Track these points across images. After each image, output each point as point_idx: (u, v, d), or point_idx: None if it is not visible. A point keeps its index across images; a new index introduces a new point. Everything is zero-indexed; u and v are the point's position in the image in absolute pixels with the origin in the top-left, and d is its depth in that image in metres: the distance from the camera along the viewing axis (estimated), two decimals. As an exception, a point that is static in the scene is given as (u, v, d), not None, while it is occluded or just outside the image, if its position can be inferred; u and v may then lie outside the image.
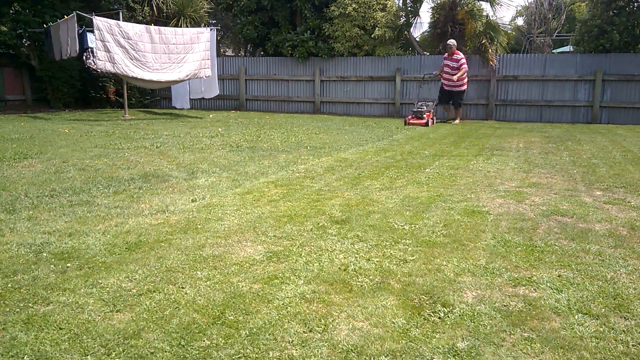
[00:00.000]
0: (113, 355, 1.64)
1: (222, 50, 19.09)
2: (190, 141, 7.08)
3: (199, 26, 13.68)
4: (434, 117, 10.71)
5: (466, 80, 11.42)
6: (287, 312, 1.95)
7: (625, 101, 11.30)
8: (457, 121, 11.35)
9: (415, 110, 10.47)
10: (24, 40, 12.56)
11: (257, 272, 2.34)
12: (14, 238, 2.76)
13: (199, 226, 3.04)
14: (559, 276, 2.35)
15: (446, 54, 11.35)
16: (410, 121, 10.19)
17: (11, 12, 12.47)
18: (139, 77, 10.43)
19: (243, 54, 18.00)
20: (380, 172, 4.91)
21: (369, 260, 2.52)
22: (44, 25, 11.24)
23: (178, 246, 2.68)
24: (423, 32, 15.29)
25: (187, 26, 13.80)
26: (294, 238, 2.85)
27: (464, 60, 11.12)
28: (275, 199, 3.78)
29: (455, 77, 10.97)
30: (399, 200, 3.79)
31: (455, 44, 11.28)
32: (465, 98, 12.73)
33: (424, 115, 10.17)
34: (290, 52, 13.69)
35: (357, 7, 12.90)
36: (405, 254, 2.60)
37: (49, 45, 11.15)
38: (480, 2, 13.14)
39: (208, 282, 2.21)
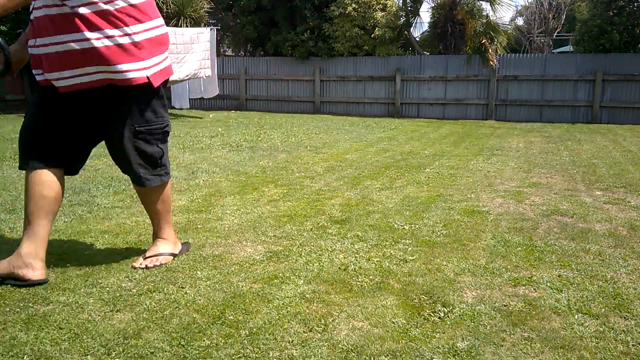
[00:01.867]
0: (113, 355, 1.64)
1: (222, 50, 19.09)
2: (190, 141, 7.07)
3: (199, 26, 13.69)
4: None
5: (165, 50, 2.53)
6: (287, 311, 1.95)
7: (626, 101, 11.30)
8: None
9: None
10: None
11: (257, 272, 2.34)
12: (14, 238, 2.76)
13: (198, 226, 3.04)
14: (559, 276, 2.35)
15: None
16: None
17: (11, 11, 12.46)
18: (138, 77, 10.43)
19: (243, 53, 18.00)
20: (380, 172, 4.91)
21: (369, 260, 2.52)
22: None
23: (178, 246, 2.67)
24: (423, 32, 15.30)
25: (187, 26, 13.80)
26: (293, 238, 2.85)
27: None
28: (275, 198, 3.78)
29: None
30: (399, 200, 3.79)
31: None
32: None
33: None
34: (290, 52, 13.69)
35: (357, 7, 12.91)
36: (405, 254, 2.60)
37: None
38: (480, 2, 13.16)
39: (208, 282, 2.21)
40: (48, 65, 2.16)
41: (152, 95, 2.31)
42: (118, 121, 2.27)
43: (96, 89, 2.20)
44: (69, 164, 2.36)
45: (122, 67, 2.14)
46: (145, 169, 2.35)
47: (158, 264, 2.40)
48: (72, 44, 2.09)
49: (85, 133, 2.34)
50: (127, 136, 2.27)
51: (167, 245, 2.50)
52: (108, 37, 2.11)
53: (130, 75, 2.16)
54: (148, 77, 2.22)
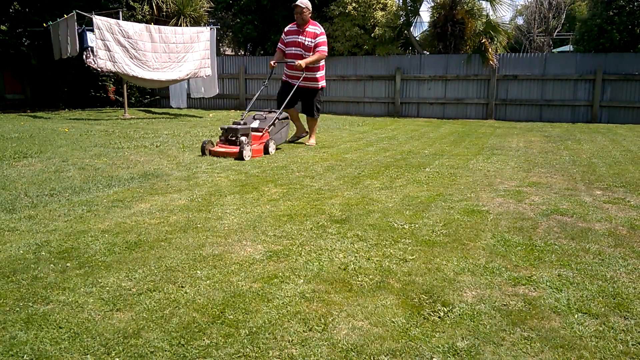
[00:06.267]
0: (113, 355, 1.64)
1: (221, 49, 19.07)
2: (190, 140, 7.07)
3: (199, 25, 13.68)
4: (270, 142, 5.97)
5: (323, 71, 6.90)
6: (287, 311, 1.95)
7: (625, 100, 11.31)
8: (312, 141, 6.94)
9: (228, 127, 5.78)
10: (24, 39, 12.55)
11: (257, 271, 2.34)
12: (14, 238, 2.76)
13: (198, 225, 3.04)
14: (558, 275, 2.35)
15: (294, 24, 6.76)
16: (215, 149, 5.68)
17: (11, 11, 12.46)
18: (139, 77, 10.43)
19: (243, 53, 17.99)
20: (380, 172, 4.91)
21: (368, 259, 2.52)
22: (44, 25, 11.25)
23: (178, 245, 2.68)
24: (423, 31, 15.29)
25: (186, 25, 13.79)
26: (293, 237, 2.85)
27: (324, 38, 6.68)
28: (275, 198, 3.78)
29: (303, 63, 6.47)
30: (399, 199, 3.79)
31: (309, 6, 6.65)
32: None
33: (242, 139, 5.57)
34: (290, 51, 13.68)
35: (357, 6, 12.90)
36: (405, 254, 2.60)
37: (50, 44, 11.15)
38: (481, 1, 13.15)
39: (208, 282, 2.21)
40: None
41: (321, 89, 6.96)
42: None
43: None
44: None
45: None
46: (314, 111, 6.94)
47: (312, 145, 6.78)
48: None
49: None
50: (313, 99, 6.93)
51: (314, 140, 6.89)
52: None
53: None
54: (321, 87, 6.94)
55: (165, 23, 13.02)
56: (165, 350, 1.67)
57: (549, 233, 3.00)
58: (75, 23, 10.00)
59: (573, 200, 3.81)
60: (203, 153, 5.63)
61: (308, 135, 7.15)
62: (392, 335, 1.79)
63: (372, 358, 1.65)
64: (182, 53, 11.04)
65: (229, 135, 5.74)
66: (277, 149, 6.26)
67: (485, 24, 12.84)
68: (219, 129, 6.02)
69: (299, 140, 7.24)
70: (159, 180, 4.35)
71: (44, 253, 2.52)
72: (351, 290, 2.15)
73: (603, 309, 2.01)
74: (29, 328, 1.79)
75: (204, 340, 1.73)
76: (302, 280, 2.24)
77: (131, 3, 13.43)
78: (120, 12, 11.13)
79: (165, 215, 3.25)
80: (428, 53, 13.70)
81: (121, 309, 1.95)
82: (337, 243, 2.75)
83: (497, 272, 2.37)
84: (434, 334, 1.80)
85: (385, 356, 1.66)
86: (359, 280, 2.25)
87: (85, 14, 10.05)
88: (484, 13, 13.02)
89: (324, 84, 7.04)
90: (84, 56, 10.06)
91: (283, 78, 7.02)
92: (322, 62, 6.83)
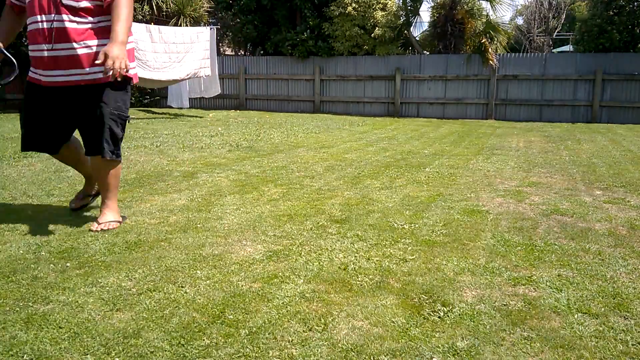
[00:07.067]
0: (113, 355, 1.64)
1: (221, 49, 19.07)
2: (190, 140, 7.07)
3: (199, 25, 13.68)
4: None
5: (132, 42, 2.90)
6: (287, 311, 1.95)
7: (625, 100, 11.31)
8: (108, 217, 2.91)
9: None
10: (24, 39, 12.54)
11: (256, 271, 2.34)
12: (14, 238, 2.76)
13: (198, 225, 3.04)
14: (558, 275, 2.35)
15: None
16: None
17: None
18: (139, 76, 10.43)
19: (243, 53, 17.99)
20: (380, 172, 4.91)
21: (368, 259, 2.52)
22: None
23: (178, 245, 2.68)
24: (423, 32, 15.26)
25: (186, 25, 13.79)
26: (293, 237, 2.85)
27: None
28: (275, 198, 3.78)
29: (115, 44, 2.55)
30: (399, 199, 3.79)
31: None
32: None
33: None
34: (290, 51, 13.69)
35: (357, 6, 12.91)
36: (405, 253, 2.60)
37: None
38: (480, 1, 13.15)
39: (208, 281, 2.21)
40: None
41: (128, 83, 2.95)
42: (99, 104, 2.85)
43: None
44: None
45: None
46: (108, 144, 2.87)
47: (111, 227, 2.92)
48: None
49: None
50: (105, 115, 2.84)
51: (113, 214, 2.99)
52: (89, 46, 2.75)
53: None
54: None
55: (165, 23, 13.03)
56: (165, 350, 1.67)
57: (549, 233, 3.00)
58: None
59: (573, 200, 3.81)
60: None
61: (102, 202, 3.02)
62: (392, 335, 1.79)
63: (372, 358, 1.65)
64: (182, 53, 11.04)
65: None
66: None
67: (485, 24, 12.84)
68: None
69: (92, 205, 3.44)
70: (159, 180, 4.35)
71: (44, 253, 2.52)
72: (351, 290, 2.15)
73: (603, 309, 2.01)
74: (29, 328, 1.79)
75: (204, 340, 1.73)
76: (302, 280, 2.24)
77: (131, 3, 13.42)
78: (120, 12, 11.12)
79: (165, 215, 3.25)
80: (428, 53, 13.70)
81: (121, 309, 1.95)
82: (337, 243, 2.75)
83: (497, 272, 2.37)
84: (434, 334, 1.80)
85: (385, 356, 1.66)
86: (359, 280, 2.25)
87: (85, 14, 10.04)
88: (484, 13, 13.02)
89: (135, 74, 3.01)
90: (84, 56, 10.04)
91: (30, 75, 2.98)
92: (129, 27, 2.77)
